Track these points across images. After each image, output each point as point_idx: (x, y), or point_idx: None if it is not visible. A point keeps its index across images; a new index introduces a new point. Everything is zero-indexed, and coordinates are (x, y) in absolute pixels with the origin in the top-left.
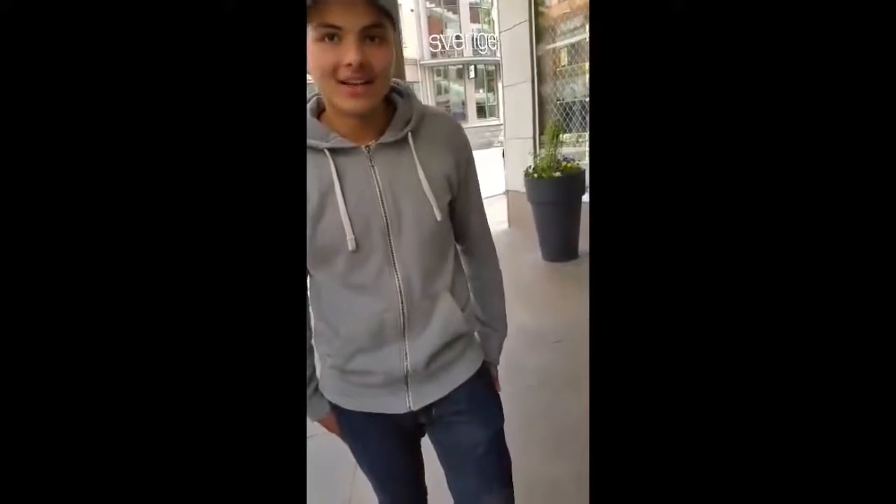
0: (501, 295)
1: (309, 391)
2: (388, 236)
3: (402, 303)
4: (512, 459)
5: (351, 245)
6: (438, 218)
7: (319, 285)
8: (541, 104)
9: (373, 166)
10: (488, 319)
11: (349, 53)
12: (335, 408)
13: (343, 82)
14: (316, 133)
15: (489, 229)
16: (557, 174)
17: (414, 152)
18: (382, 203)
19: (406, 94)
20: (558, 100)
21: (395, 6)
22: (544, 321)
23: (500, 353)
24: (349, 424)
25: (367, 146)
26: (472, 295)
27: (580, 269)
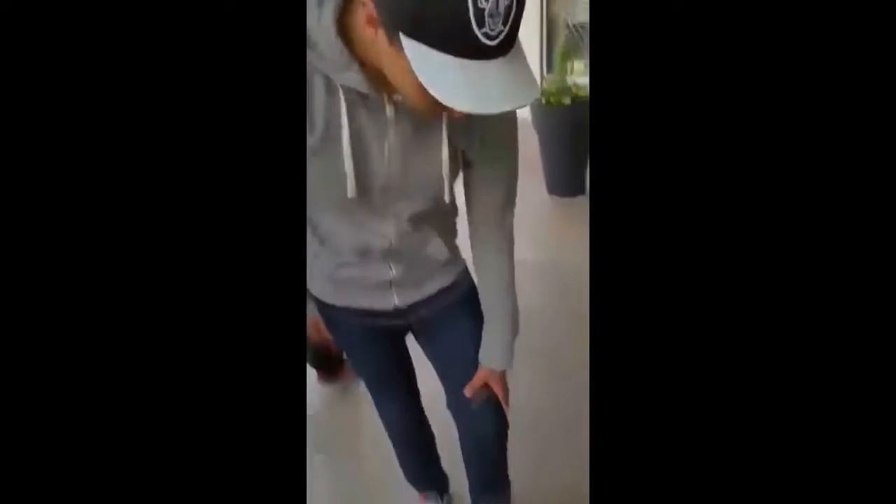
0: (508, 271)
1: None
2: (389, 194)
3: (390, 241)
4: (509, 389)
5: (351, 193)
6: (446, 199)
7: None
8: (549, 24)
9: (396, 123)
10: (489, 310)
11: None
12: (324, 307)
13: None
14: (336, 58)
15: (506, 213)
16: (567, 101)
17: (444, 127)
18: (388, 160)
19: None
20: (567, 24)
21: None
22: (548, 257)
23: (505, 353)
24: (338, 322)
25: (394, 100)
26: (475, 264)
27: (587, 204)
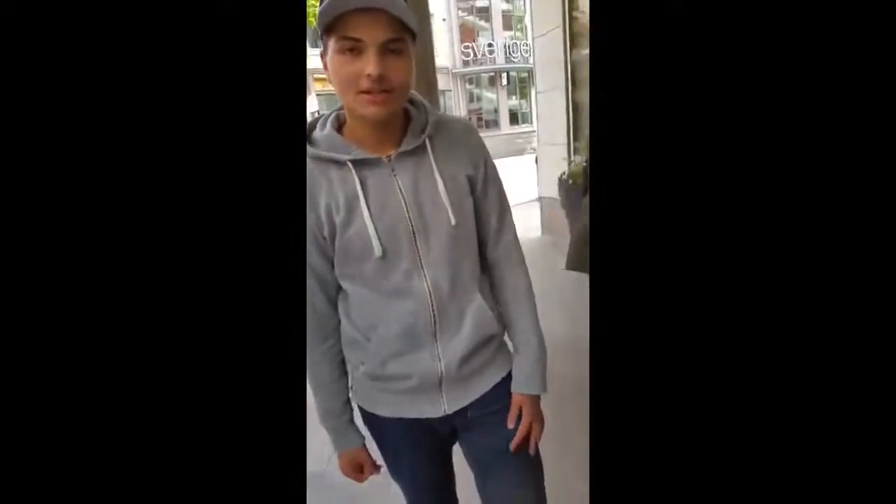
0: (531, 305)
1: (344, 419)
2: (416, 242)
3: (432, 305)
4: (545, 472)
5: (378, 251)
6: (453, 222)
7: (349, 295)
8: (574, 110)
9: (395, 176)
10: (518, 339)
11: (369, 65)
12: (368, 417)
13: (364, 91)
14: (338, 146)
15: (516, 237)
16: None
17: (432, 158)
18: (407, 211)
19: (419, 103)
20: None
21: (415, 20)
22: (578, 329)
23: (541, 378)
24: (382, 433)
25: (388, 156)
26: (500, 308)
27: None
